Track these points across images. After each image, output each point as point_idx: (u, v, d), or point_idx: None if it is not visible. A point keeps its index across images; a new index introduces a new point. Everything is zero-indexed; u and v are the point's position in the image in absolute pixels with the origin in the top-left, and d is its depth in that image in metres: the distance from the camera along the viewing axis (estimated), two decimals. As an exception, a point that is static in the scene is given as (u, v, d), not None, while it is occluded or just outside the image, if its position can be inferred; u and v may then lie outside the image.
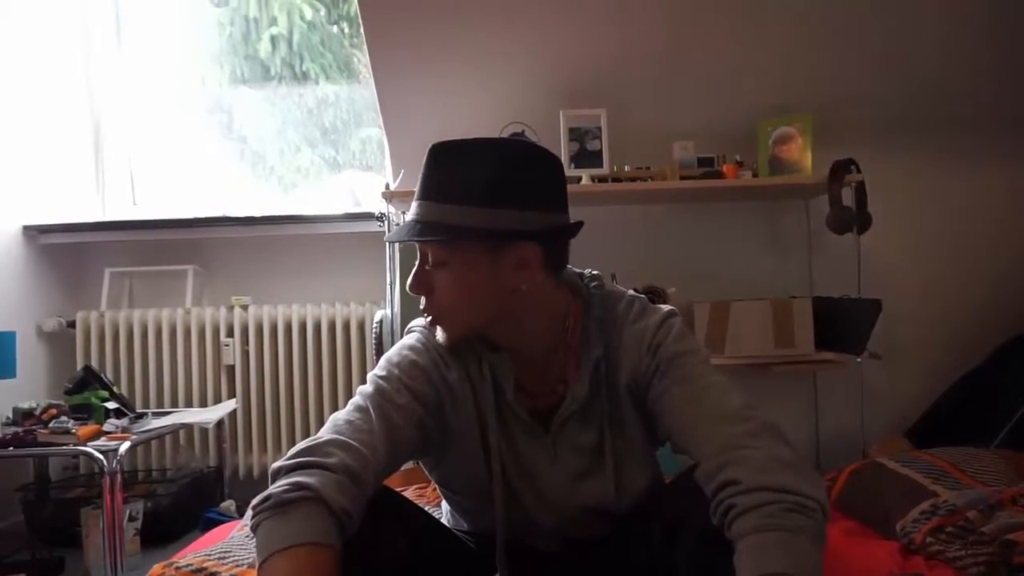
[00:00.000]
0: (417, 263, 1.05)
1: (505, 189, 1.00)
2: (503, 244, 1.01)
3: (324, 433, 0.95)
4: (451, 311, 1.04)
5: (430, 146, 1.03)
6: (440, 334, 1.07)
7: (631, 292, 1.16)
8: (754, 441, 0.91)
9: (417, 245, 1.04)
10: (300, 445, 0.93)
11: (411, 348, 1.10)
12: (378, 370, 1.08)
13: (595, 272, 1.17)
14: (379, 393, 1.02)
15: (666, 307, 1.13)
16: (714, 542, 0.89)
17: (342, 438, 0.93)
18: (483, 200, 0.99)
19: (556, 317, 1.09)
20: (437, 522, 1.16)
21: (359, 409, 1.00)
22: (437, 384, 1.08)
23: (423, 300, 1.05)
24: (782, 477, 0.85)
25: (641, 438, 1.11)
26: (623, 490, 1.09)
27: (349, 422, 0.97)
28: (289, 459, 0.90)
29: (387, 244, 2.50)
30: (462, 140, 1.03)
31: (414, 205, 1.03)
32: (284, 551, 0.80)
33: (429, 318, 1.06)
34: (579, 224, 1.06)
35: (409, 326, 1.17)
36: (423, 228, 1.00)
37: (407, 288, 1.05)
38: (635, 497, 1.10)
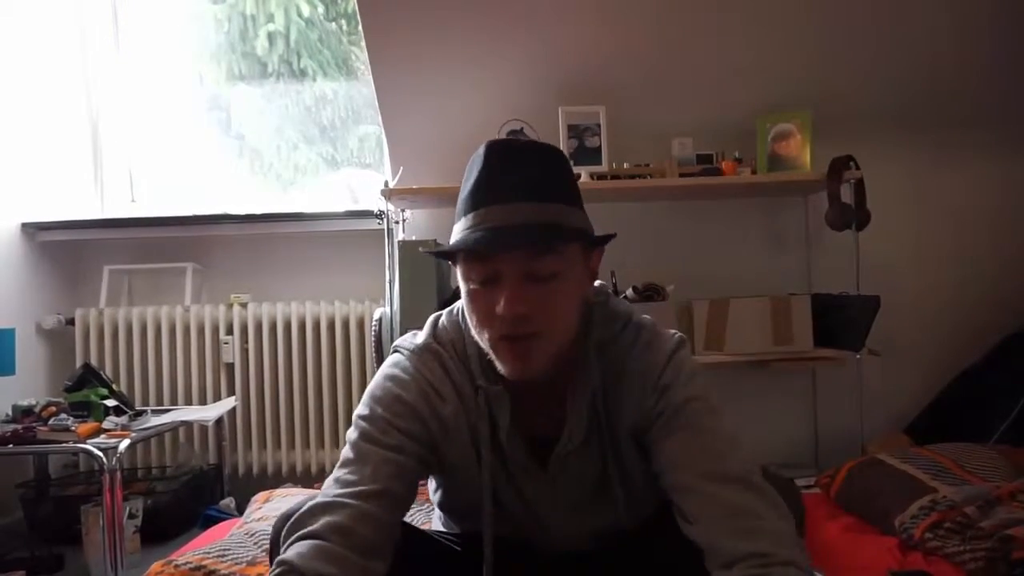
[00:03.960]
0: (508, 280, 0.89)
1: (578, 192, 0.97)
2: (591, 250, 0.97)
3: (316, 499, 0.93)
4: (560, 330, 0.93)
5: (488, 145, 0.93)
6: (521, 365, 0.92)
7: (639, 314, 1.07)
8: (766, 512, 0.89)
9: (494, 256, 0.90)
10: (292, 516, 0.92)
11: (394, 379, 1.00)
12: (361, 409, 1.00)
13: (598, 282, 1.07)
14: (364, 438, 0.96)
15: (674, 334, 1.04)
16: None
17: (326, 500, 0.91)
18: (576, 201, 0.94)
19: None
20: (422, 533, 1.14)
21: (346, 462, 0.95)
22: (427, 419, 0.99)
23: (501, 322, 0.89)
24: (801, 555, 0.87)
25: (641, 461, 1.04)
26: (631, 515, 1.04)
27: (337, 480, 0.94)
28: (285, 533, 0.90)
29: (388, 244, 2.48)
30: (516, 140, 0.99)
31: (494, 209, 0.89)
32: None
33: (509, 341, 0.91)
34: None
35: (394, 345, 1.07)
36: (538, 232, 0.88)
37: (510, 312, 0.88)
38: (643, 516, 1.05)
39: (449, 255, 0.95)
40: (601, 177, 2.45)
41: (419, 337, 1.05)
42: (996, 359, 2.52)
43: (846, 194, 2.42)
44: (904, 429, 2.56)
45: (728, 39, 2.46)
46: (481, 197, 0.91)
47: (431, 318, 1.08)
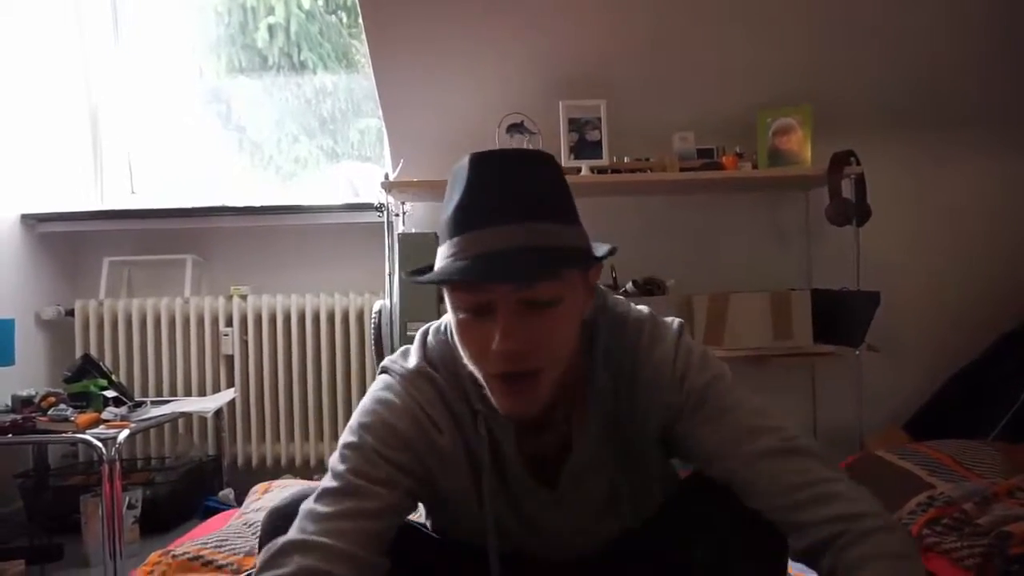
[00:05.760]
0: (502, 312, 0.80)
1: (573, 204, 0.88)
2: (590, 268, 0.89)
3: (291, 531, 0.85)
4: (563, 359, 0.86)
5: (472, 158, 0.84)
6: (521, 406, 0.86)
7: (634, 307, 0.99)
8: (824, 471, 0.87)
9: (482, 286, 0.81)
10: (263, 553, 0.84)
11: (386, 405, 0.91)
12: (348, 436, 0.91)
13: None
14: (351, 470, 0.87)
15: (672, 321, 0.99)
16: (729, 550, 0.88)
17: (301, 537, 0.83)
18: (572, 215, 0.86)
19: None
20: (426, 534, 1.08)
21: (327, 494, 0.86)
22: (422, 453, 0.91)
23: (497, 358, 0.82)
24: (878, 507, 0.85)
25: (658, 464, 1.01)
26: (638, 520, 1.01)
27: (314, 513, 0.85)
28: (261, 566, 0.83)
29: (387, 236, 2.48)
30: (502, 151, 0.90)
31: (482, 234, 0.80)
32: None
33: (506, 380, 0.84)
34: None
35: (383, 365, 0.99)
36: (539, 258, 0.80)
37: (506, 349, 0.80)
38: (650, 513, 1.02)
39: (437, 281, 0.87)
40: (602, 171, 2.45)
41: (410, 359, 0.96)
42: (995, 356, 2.52)
43: (847, 189, 2.41)
44: (903, 425, 2.57)
45: (729, 33, 2.45)
46: (467, 219, 0.82)
47: (419, 335, 1.00)
